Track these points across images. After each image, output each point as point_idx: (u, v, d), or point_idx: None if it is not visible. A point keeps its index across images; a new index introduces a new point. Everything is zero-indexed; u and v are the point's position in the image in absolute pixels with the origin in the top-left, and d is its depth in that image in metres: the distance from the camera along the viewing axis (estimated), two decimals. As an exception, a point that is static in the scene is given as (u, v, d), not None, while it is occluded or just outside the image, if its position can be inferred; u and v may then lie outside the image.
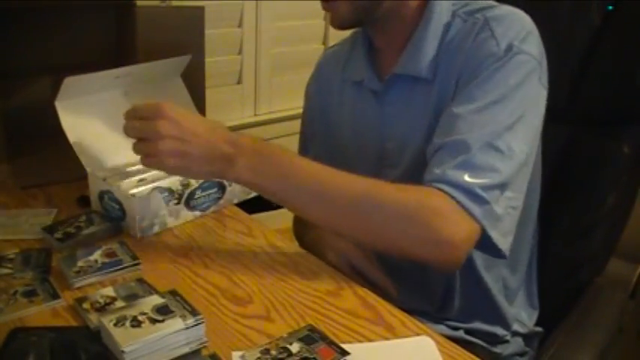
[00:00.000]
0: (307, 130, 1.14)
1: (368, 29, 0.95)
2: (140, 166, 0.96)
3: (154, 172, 0.95)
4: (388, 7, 0.88)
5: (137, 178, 0.93)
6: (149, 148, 0.79)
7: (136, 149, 0.81)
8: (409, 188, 0.78)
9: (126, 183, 0.91)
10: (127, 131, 0.81)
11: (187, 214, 0.96)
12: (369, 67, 0.96)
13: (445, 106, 0.85)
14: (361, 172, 0.83)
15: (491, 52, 0.82)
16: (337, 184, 0.78)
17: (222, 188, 1.00)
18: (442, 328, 0.95)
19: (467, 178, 0.76)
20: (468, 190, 0.75)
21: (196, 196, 0.96)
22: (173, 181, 0.93)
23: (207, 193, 0.98)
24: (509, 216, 0.79)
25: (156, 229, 0.92)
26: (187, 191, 0.94)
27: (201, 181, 0.96)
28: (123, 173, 0.94)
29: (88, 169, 0.95)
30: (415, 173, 0.84)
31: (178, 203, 0.94)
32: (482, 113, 0.79)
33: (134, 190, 0.89)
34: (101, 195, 0.94)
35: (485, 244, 0.78)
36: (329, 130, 1.06)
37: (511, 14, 0.85)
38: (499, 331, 0.97)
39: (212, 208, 0.99)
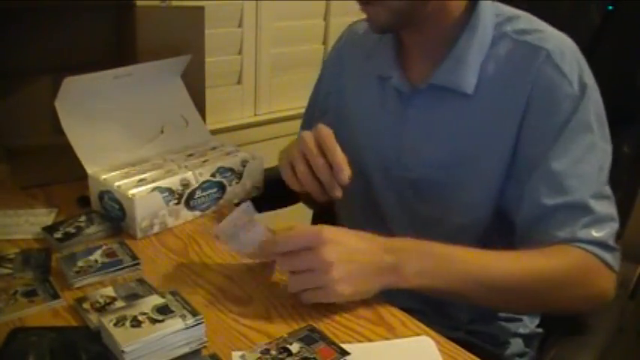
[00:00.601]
0: (319, 105, 1.11)
1: (403, 31, 0.92)
2: (140, 166, 0.96)
3: (154, 172, 0.95)
4: (429, 12, 0.85)
5: (137, 178, 0.93)
6: (319, 280, 0.72)
7: (299, 283, 0.74)
8: (557, 253, 0.79)
9: (126, 183, 0.91)
10: (284, 267, 0.76)
11: (187, 214, 0.96)
12: (398, 66, 0.93)
13: (498, 129, 0.84)
14: (372, 164, 0.92)
15: (567, 93, 0.82)
16: (498, 268, 0.77)
17: (222, 188, 0.99)
18: (441, 328, 0.95)
19: (595, 233, 0.80)
20: (601, 244, 0.80)
21: (196, 196, 0.96)
22: (173, 181, 0.93)
23: (207, 193, 0.98)
24: None
25: (156, 229, 0.92)
26: (187, 191, 0.94)
27: (201, 180, 0.96)
28: (123, 173, 0.94)
29: (88, 170, 0.95)
30: (432, 180, 0.88)
31: (178, 203, 0.94)
32: (582, 164, 0.82)
33: (134, 191, 0.89)
34: (101, 195, 0.94)
35: None
36: (343, 112, 1.03)
37: (563, 41, 0.84)
38: (501, 333, 0.97)
39: (212, 208, 0.99)
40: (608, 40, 1.05)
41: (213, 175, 0.98)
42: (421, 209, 0.93)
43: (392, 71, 0.92)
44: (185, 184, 0.94)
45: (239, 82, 1.78)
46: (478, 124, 0.86)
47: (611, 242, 0.81)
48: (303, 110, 1.21)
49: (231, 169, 1.01)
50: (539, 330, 1.02)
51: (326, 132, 0.83)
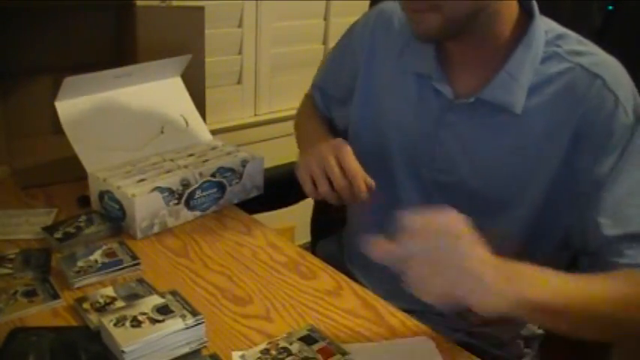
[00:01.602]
0: (345, 81, 1.03)
1: (457, 43, 0.85)
2: (140, 166, 0.96)
3: (154, 172, 0.95)
4: (481, 23, 0.80)
5: (137, 178, 0.93)
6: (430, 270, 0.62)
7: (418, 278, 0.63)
8: (629, 280, 0.75)
9: (126, 183, 0.91)
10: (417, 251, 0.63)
11: (187, 214, 0.96)
12: (440, 69, 0.87)
13: (537, 146, 0.81)
14: (399, 159, 0.90)
15: (623, 122, 0.79)
16: (587, 301, 0.71)
17: (222, 188, 0.99)
18: (441, 328, 0.95)
19: None
20: None
21: (196, 196, 0.96)
22: (173, 181, 0.93)
23: (208, 193, 0.98)
24: None
25: (156, 229, 0.92)
26: (187, 191, 0.94)
27: (201, 181, 0.96)
28: (123, 173, 0.94)
29: (89, 169, 0.95)
30: (471, 186, 0.85)
31: (178, 203, 0.94)
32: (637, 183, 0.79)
33: (134, 190, 0.89)
34: (101, 195, 0.93)
35: None
36: (371, 98, 0.98)
37: (617, 68, 0.82)
38: (502, 334, 0.97)
39: (212, 208, 0.99)
40: (609, 41, 1.05)
41: (213, 175, 0.98)
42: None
43: (433, 72, 0.88)
44: (185, 184, 0.94)
45: (239, 82, 1.79)
46: (523, 145, 0.83)
47: None
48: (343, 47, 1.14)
49: (231, 169, 1.01)
50: (540, 331, 1.02)
51: (345, 151, 0.85)
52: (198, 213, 0.97)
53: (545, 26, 0.84)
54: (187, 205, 0.95)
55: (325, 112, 1.11)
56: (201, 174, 0.96)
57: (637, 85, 1.05)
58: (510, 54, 0.82)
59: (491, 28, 0.82)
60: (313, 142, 0.95)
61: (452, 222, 0.63)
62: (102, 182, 0.93)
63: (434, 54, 0.88)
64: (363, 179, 0.84)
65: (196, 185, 0.95)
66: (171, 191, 0.92)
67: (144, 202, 0.89)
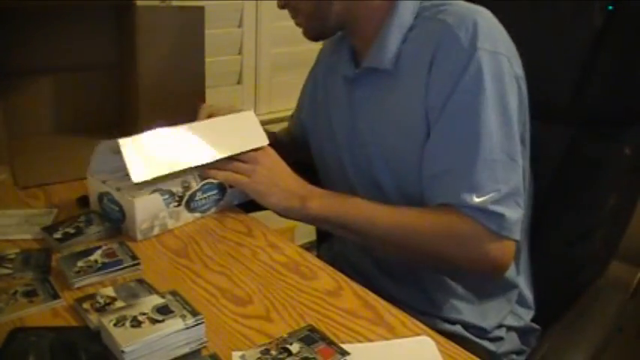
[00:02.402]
0: (309, 93, 1.20)
1: (343, 30, 1.03)
2: None
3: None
4: (342, 14, 0.96)
5: (138, 183, 0.91)
6: (247, 170, 0.97)
7: (234, 167, 0.98)
8: (433, 213, 0.88)
9: (125, 185, 0.90)
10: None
11: (188, 216, 0.96)
12: (351, 58, 1.03)
13: (414, 99, 0.90)
14: (333, 144, 1.05)
15: (458, 53, 0.86)
16: (381, 217, 0.90)
17: (222, 190, 0.99)
18: (438, 321, 0.95)
19: (475, 199, 0.84)
20: (481, 210, 0.83)
21: (197, 198, 0.96)
22: (174, 183, 0.93)
23: (208, 194, 0.97)
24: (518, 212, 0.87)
25: (156, 231, 0.92)
26: (188, 193, 0.94)
27: (201, 183, 0.96)
28: (122, 175, 0.92)
29: (88, 173, 0.94)
30: (386, 151, 0.96)
31: (179, 205, 0.93)
32: (467, 128, 0.86)
33: (134, 193, 0.89)
34: (100, 197, 0.93)
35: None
36: (317, 108, 1.14)
37: (465, 13, 0.88)
38: (493, 320, 0.97)
39: (212, 210, 0.99)
40: (610, 41, 1.05)
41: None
42: (381, 180, 0.99)
43: (344, 61, 1.04)
44: (186, 187, 0.94)
45: (239, 82, 1.79)
46: (401, 97, 0.93)
47: (493, 207, 0.83)
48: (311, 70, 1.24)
49: None
50: (536, 326, 1.03)
51: None
52: (198, 215, 0.97)
53: (423, 2, 0.94)
54: (188, 207, 0.95)
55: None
56: (201, 176, 0.96)
57: (638, 85, 1.05)
58: (379, 31, 0.95)
59: (361, 14, 0.96)
60: None
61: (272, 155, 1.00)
62: (101, 184, 0.92)
63: (348, 49, 1.03)
64: None
65: (197, 187, 0.95)
66: (171, 193, 0.92)
67: (144, 204, 0.89)
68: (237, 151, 0.99)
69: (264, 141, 1.02)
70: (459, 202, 0.84)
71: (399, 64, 0.93)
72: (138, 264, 0.82)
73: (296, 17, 1.01)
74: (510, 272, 0.99)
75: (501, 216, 0.83)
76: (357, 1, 0.95)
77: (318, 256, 0.91)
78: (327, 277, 0.84)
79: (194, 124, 0.98)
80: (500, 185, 0.84)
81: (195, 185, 0.95)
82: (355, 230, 0.92)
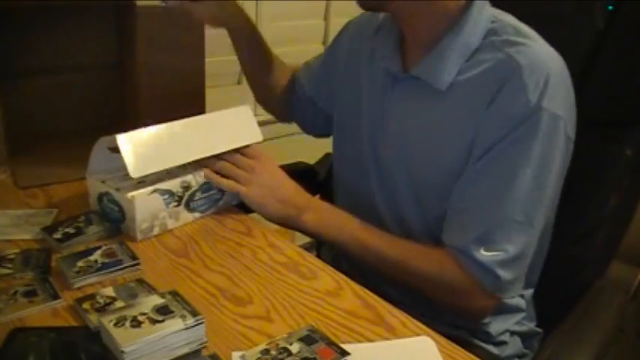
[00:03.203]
0: (327, 69, 1.14)
1: (395, 20, 0.96)
2: None
3: (154, 176, 0.93)
4: (402, 6, 0.89)
5: (137, 180, 0.91)
6: (245, 179, 0.97)
7: (232, 172, 0.98)
8: (433, 257, 0.89)
9: (125, 185, 0.90)
10: (224, 163, 0.98)
11: (187, 216, 0.96)
12: (396, 51, 0.96)
13: (462, 127, 0.87)
14: (357, 125, 1.01)
15: (521, 109, 0.82)
16: (375, 245, 0.92)
17: (221, 190, 0.99)
18: (442, 325, 0.95)
19: (484, 252, 0.84)
20: (484, 266, 0.84)
21: (196, 198, 0.96)
22: (173, 183, 0.92)
23: (207, 194, 0.97)
24: (520, 271, 0.88)
25: (156, 230, 0.92)
26: (188, 193, 0.94)
27: (201, 182, 0.96)
28: (122, 176, 0.92)
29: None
30: (408, 158, 0.94)
31: (178, 205, 0.93)
32: (502, 182, 0.84)
33: (134, 192, 0.88)
34: (100, 197, 0.93)
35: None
36: (349, 103, 1.07)
37: (541, 59, 0.85)
38: (499, 328, 0.97)
39: (211, 210, 0.99)
40: (611, 41, 1.05)
41: None
42: (399, 186, 0.97)
43: (389, 51, 0.97)
44: (185, 187, 0.94)
45: (239, 82, 1.79)
46: (445, 121, 0.90)
47: (495, 267, 0.84)
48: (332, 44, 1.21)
49: None
50: (539, 330, 1.03)
51: None
52: (197, 215, 0.97)
53: (492, 17, 0.89)
54: (187, 206, 0.95)
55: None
56: (201, 176, 0.96)
57: (639, 86, 1.05)
58: (443, 36, 0.89)
59: (429, 11, 0.89)
60: None
61: (270, 164, 0.99)
62: (100, 184, 0.92)
63: (395, 39, 0.97)
64: None
65: (196, 187, 0.95)
66: (171, 193, 0.92)
67: (144, 204, 0.88)
68: (234, 146, 1.00)
69: (259, 137, 1.03)
70: (464, 249, 0.84)
71: (453, 85, 0.88)
72: (138, 264, 0.82)
73: None
74: (519, 298, 1.00)
75: (499, 278, 0.84)
76: (419, 1, 0.89)
77: (318, 257, 0.91)
78: (327, 277, 0.84)
79: (191, 120, 0.98)
80: (510, 246, 0.84)
81: (194, 185, 0.95)
82: (347, 251, 0.94)
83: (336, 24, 1.86)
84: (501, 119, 0.84)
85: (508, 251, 0.84)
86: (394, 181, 0.96)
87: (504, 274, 0.84)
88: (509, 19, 0.90)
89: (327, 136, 1.17)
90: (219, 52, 1.69)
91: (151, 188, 0.90)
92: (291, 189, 0.98)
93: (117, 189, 0.90)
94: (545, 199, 0.86)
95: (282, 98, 1.22)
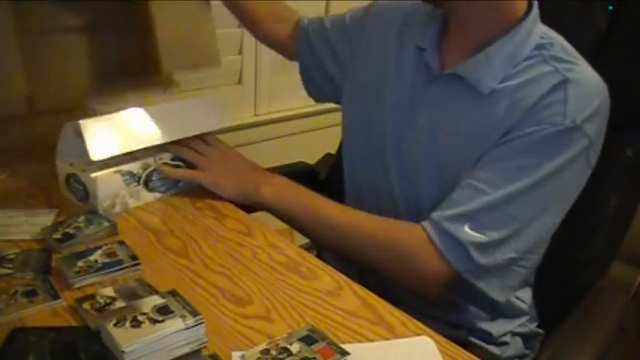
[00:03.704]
0: (351, 35, 1.09)
1: (450, 17, 0.93)
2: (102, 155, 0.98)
3: (118, 157, 0.98)
4: (480, 6, 0.87)
5: (100, 163, 0.96)
6: (201, 163, 1.02)
7: (189, 156, 1.03)
8: (393, 224, 0.90)
9: (91, 167, 0.95)
10: (182, 148, 1.03)
11: (148, 196, 1.01)
12: (436, 42, 0.94)
13: (495, 127, 0.86)
14: (387, 129, 0.97)
15: (555, 123, 0.82)
16: (334, 214, 0.93)
17: None
18: (441, 325, 0.95)
19: (454, 228, 0.83)
20: (435, 222, 0.84)
21: (154, 178, 1.01)
22: (135, 165, 0.98)
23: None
24: (510, 271, 0.86)
25: (117, 208, 0.98)
26: (145, 173, 0.99)
27: (160, 163, 1.01)
28: (88, 159, 0.95)
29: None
30: (437, 155, 0.91)
31: (138, 185, 0.99)
32: (507, 185, 0.83)
33: (97, 173, 0.94)
34: (67, 178, 0.99)
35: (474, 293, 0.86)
36: (364, 64, 1.05)
37: (590, 81, 0.85)
38: (500, 329, 0.97)
39: (172, 191, 1.04)
40: (612, 42, 1.05)
41: (173, 160, 1.03)
42: (423, 180, 0.94)
43: (428, 44, 0.94)
44: (144, 168, 0.99)
45: (239, 82, 1.79)
46: (483, 125, 0.87)
47: (470, 248, 0.82)
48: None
49: None
50: (540, 331, 1.03)
51: None
52: (158, 195, 1.03)
53: (542, 33, 0.88)
54: (147, 186, 1.00)
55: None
56: (161, 158, 1.01)
57: (636, 88, 1.05)
58: (494, 41, 0.87)
59: (490, 14, 0.88)
60: None
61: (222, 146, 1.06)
62: (68, 166, 0.98)
63: (437, 29, 0.94)
64: None
65: (153, 167, 1.00)
66: (132, 174, 0.98)
67: (105, 183, 0.95)
68: (192, 133, 1.05)
69: (219, 124, 1.09)
70: (438, 225, 0.83)
71: (496, 91, 0.87)
72: (138, 264, 0.82)
73: None
74: (521, 302, 1.00)
75: (472, 259, 0.82)
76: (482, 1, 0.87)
77: (319, 257, 0.91)
78: (327, 277, 0.84)
79: (153, 106, 1.03)
80: (495, 234, 0.82)
81: (153, 165, 1.00)
82: (302, 224, 0.96)
83: (336, 24, 1.85)
84: (535, 120, 0.83)
85: (490, 237, 0.82)
86: (418, 176, 0.94)
87: (478, 257, 0.82)
88: (559, 38, 0.89)
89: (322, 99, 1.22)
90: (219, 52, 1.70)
91: (113, 169, 0.95)
92: (247, 165, 1.04)
93: (82, 170, 0.95)
94: (546, 212, 0.85)
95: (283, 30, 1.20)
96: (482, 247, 0.82)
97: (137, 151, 1.00)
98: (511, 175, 0.83)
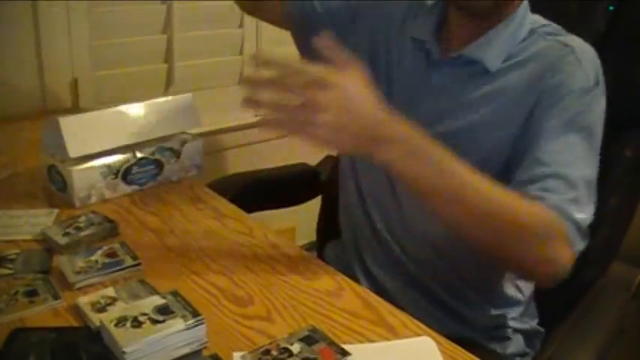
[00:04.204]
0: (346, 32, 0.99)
1: (450, 5, 0.95)
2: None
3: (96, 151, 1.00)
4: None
5: (81, 156, 0.98)
6: (306, 117, 0.73)
7: (289, 113, 0.74)
8: (538, 210, 0.80)
9: (70, 159, 0.97)
10: (288, 88, 0.74)
11: (125, 188, 1.03)
12: (436, 33, 0.97)
13: (509, 100, 0.90)
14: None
15: (582, 84, 0.87)
16: (479, 191, 0.78)
17: (159, 166, 1.05)
18: (447, 319, 0.95)
19: (576, 214, 0.82)
20: (577, 226, 0.83)
21: (133, 172, 1.03)
22: (113, 159, 1.00)
23: (145, 169, 1.04)
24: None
25: (93, 199, 1.00)
26: (124, 167, 1.01)
27: (138, 157, 1.02)
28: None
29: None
30: (465, 136, 0.91)
31: (115, 178, 1.01)
32: (578, 147, 0.86)
33: (74, 166, 0.97)
34: (49, 169, 1.01)
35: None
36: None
37: (587, 46, 0.92)
38: (501, 323, 0.97)
39: (150, 184, 1.06)
40: (611, 42, 1.05)
41: (152, 154, 1.04)
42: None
43: (428, 36, 0.97)
44: (123, 161, 1.01)
45: (239, 82, 1.79)
46: (496, 98, 0.91)
47: (585, 229, 0.84)
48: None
49: (170, 149, 1.07)
50: (541, 329, 1.03)
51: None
52: (136, 187, 1.04)
53: (535, 19, 0.95)
54: (124, 179, 1.02)
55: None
56: (140, 152, 1.03)
57: (636, 88, 1.05)
58: (494, 26, 0.92)
59: (501, 10, 0.92)
60: None
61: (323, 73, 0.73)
62: (49, 158, 1.00)
63: (434, 21, 0.97)
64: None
65: (133, 162, 1.02)
66: (109, 167, 1.00)
67: (81, 175, 0.97)
68: (170, 132, 1.07)
69: (197, 123, 1.10)
70: (564, 211, 0.81)
71: (502, 69, 0.91)
72: (139, 264, 0.82)
73: None
74: (519, 292, 1.00)
75: (585, 238, 0.84)
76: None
77: (319, 257, 0.91)
78: (327, 277, 0.84)
79: (132, 105, 1.04)
80: (591, 207, 0.85)
81: (132, 159, 1.01)
82: (433, 201, 0.80)
83: (337, 24, 1.85)
84: (561, 88, 0.87)
85: (589, 215, 0.84)
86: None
87: (582, 237, 0.84)
88: (542, 19, 0.96)
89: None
90: (219, 52, 1.70)
91: (91, 162, 0.98)
92: (370, 118, 0.76)
93: (61, 162, 0.97)
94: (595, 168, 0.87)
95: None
96: (584, 226, 0.84)
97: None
98: (577, 150, 0.85)
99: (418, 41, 0.98)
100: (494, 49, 0.92)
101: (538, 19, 0.95)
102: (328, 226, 1.27)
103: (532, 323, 1.02)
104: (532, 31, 0.93)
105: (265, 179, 1.31)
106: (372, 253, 1.02)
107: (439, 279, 0.97)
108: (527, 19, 0.94)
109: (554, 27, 0.94)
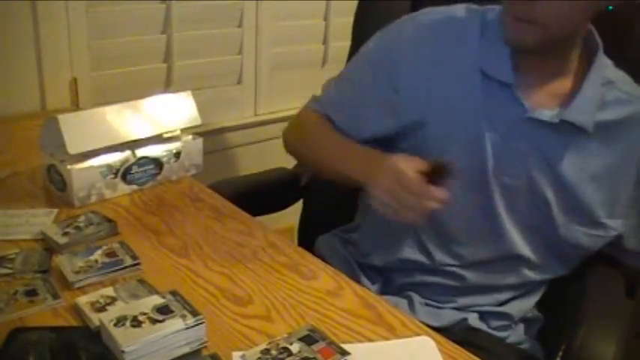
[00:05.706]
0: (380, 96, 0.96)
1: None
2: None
3: (96, 151, 0.99)
4: (568, 44, 0.86)
5: (79, 155, 0.97)
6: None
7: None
8: None
9: (68, 158, 0.97)
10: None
11: (125, 188, 1.03)
12: (516, 75, 0.87)
13: (606, 165, 0.89)
14: (464, 158, 0.88)
15: None
16: None
17: (159, 165, 1.05)
18: (455, 306, 0.96)
19: None
20: None
21: (133, 171, 1.02)
22: (113, 158, 1.00)
23: (144, 169, 1.04)
24: None
25: (93, 199, 0.99)
26: (124, 166, 1.01)
27: (138, 156, 1.02)
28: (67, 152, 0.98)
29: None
30: (541, 191, 0.89)
31: (115, 177, 1.01)
32: None
33: (73, 166, 0.96)
34: (49, 168, 1.01)
35: None
36: (420, 108, 0.92)
37: None
38: (511, 314, 0.98)
39: (150, 184, 1.06)
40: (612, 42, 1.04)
41: (151, 153, 1.04)
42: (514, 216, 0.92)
43: (511, 79, 0.87)
44: (123, 160, 1.01)
45: (239, 82, 1.78)
46: (592, 161, 0.89)
47: None
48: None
49: (170, 149, 1.07)
50: (539, 315, 1.03)
51: (406, 177, 0.81)
52: (135, 187, 1.04)
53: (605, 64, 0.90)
54: (124, 179, 1.02)
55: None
56: (140, 152, 1.03)
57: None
58: (584, 76, 0.86)
59: (571, 49, 0.87)
60: (360, 160, 0.92)
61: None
62: (49, 157, 1.00)
63: (510, 61, 0.87)
64: (432, 196, 0.80)
65: (133, 161, 1.02)
66: (109, 167, 0.99)
67: (81, 175, 0.97)
68: (169, 129, 1.06)
69: (197, 121, 1.09)
70: None
71: (595, 127, 0.87)
72: (138, 264, 0.82)
73: (531, 24, 0.81)
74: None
75: None
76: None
77: (311, 252, 0.91)
78: (327, 277, 0.84)
79: (131, 102, 1.04)
80: None
81: (132, 159, 1.01)
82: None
83: (336, 24, 1.86)
84: None
85: None
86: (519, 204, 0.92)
87: None
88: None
89: None
90: (219, 52, 1.70)
91: (90, 162, 0.98)
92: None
93: (61, 161, 0.97)
94: None
95: None
96: None
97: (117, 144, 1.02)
98: None
99: (502, 83, 0.88)
100: (591, 107, 0.86)
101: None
102: (320, 219, 1.26)
103: (534, 310, 1.02)
104: (610, 83, 0.88)
105: (266, 182, 1.31)
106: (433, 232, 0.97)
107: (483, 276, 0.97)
108: (602, 64, 0.88)
109: (618, 71, 0.91)
